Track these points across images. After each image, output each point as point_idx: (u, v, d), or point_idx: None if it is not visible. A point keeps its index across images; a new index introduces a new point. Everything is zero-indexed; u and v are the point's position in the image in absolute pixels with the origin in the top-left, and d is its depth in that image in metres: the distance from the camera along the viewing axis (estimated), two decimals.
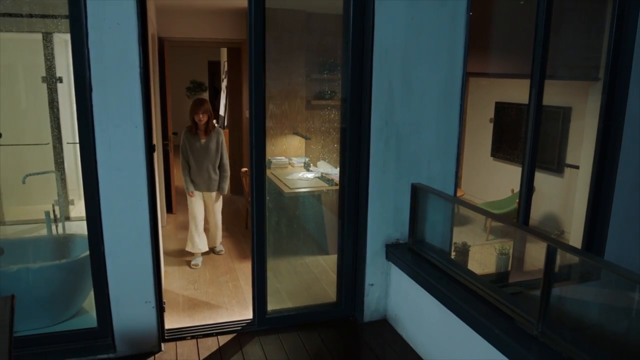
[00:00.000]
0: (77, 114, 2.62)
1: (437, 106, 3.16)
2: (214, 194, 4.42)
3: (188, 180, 4.32)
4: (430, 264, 2.98)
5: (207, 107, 4.25)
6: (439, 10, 3.05)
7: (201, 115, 4.19)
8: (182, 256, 4.55)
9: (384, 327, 3.29)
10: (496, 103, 6.08)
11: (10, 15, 3.82)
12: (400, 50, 3.03)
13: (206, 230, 4.55)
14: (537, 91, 3.57)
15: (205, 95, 11.75)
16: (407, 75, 3.07)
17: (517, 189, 5.12)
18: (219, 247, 4.67)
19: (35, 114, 4.55)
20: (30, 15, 3.76)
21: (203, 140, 4.29)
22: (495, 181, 6.16)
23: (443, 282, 2.75)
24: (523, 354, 2.09)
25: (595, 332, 2.57)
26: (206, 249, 4.48)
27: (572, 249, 2.17)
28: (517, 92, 5.67)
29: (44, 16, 3.87)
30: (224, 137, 4.44)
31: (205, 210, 4.48)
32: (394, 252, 3.20)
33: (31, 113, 4.59)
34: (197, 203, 4.37)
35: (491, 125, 6.19)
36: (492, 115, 6.19)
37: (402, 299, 3.20)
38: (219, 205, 4.53)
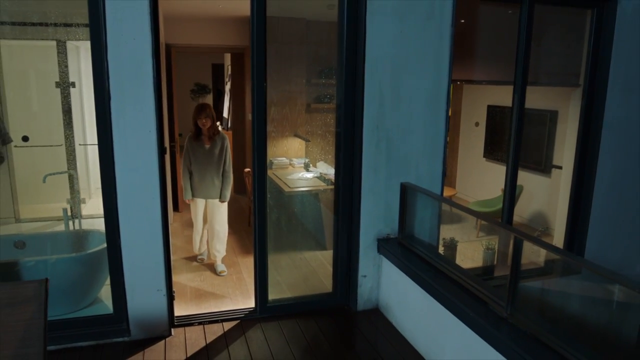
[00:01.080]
0: (96, 119, 2.90)
1: (424, 111, 3.43)
2: (216, 201, 4.30)
3: (187, 187, 4.25)
4: (417, 257, 3.25)
5: (209, 111, 4.21)
6: (426, 24, 3.32)
7: (204, 120, 4.15)
8: (188, 252, 4.82)
9: (376, 315, 3.56)
10: (488, 106, 6.34)
11: (24, 24, 4.09)
12: (389, 60, 3.30)
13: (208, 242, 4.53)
14: (519, 96, 3.85)
15: (209, 98, 12.04)
16: (396, 83, 3.34)
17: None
18: (221, 266, 4.37)
19: (48, 117, 4.79)
20: (51, 25, 4.00)
21: (207, 146, 4.22)
22: (486, 181, 6.42)
23: (428, 273, 3.02)
24: (494, 334, 2.36)
25: (556, 314, 2.84)
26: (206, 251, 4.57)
27: (534, 240, 2.43)
28: (508, 96, 5.91)
29: (57, 25, 4.12)
30: (228, 142, 4.38)
31: (208, 218, 4.38)
32: (385, 246, 3.47)
33: (45, 116, 4.83)
34: (199, 209, 4.33)
35: (483, 128, 6.45)
36: (484, 117, 6.45)
37: (392, 289, 3.47)
38: (223, 214, 4.36)
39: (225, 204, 4.37)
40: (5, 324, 2.06)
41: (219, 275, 4.29)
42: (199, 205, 4.34)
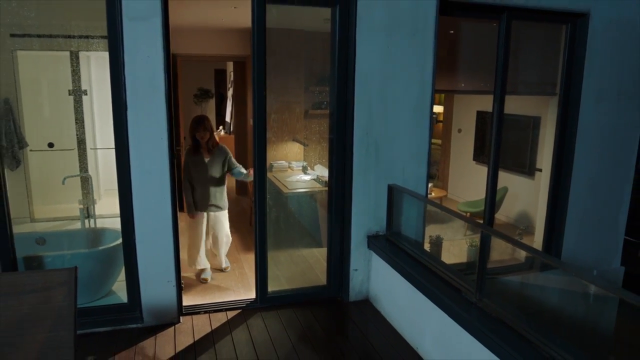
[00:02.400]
0: (114, 128, 3.25)
1: (410, 119, 3.77)
2: (218, 213, 4.32)
3: (190, 202, 4.21)
4: (403, 252, 3.58)
5: (207, 124, 4.17)
6: (411, 40, 3.66)
7: (202, 133, 4.12)
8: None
9: (366, 306, 3.89)
10: (477, 112, 6.68)
11: (39, 36, 4.40)
12: (378, 73, 3.64)
13: (213, 255, 4.59)
14: (498, 104, 4.18)
15: (212, 102, 12.37)
16: (384, 93, 3.68)
17: None
18: (226, 263, 4.56)
19: (61, 123, 5.07)
20: (67, 36, 4.28)
21: (207, 159, 4.18)
22: (476, 182, 6.74)
23: (412, 266, 3.35)
24: (464, 316, 2.69)
25: (519, 300, 3.18)
26: (205, 265, 4.45)
27: (500, 235, 2.76)
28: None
29: (70, 37, 4.41)
30: (230, 154, 4.34)
31: (212, 230, 4.39)
32: (374, 242, 3.81)
33: (58, 122, 5.11)
34: (200, 223, 4.30)
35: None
36: (473, 123, 6.78)
37: (380, 282, 3.80)
38: (226, 223, 4.41)
39: (227, 214, 4.41)
40: (39, 307, 2.39)
41: (223, 270, 4.51)
42: (199, 220, 4.31)
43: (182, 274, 3.97)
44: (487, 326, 2.54)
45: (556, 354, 2.23)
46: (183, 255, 4.10)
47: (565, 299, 3.10)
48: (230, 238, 4.57)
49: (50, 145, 4.44)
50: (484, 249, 2.71)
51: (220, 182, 4.27)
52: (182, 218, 6.31)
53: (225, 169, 4.30)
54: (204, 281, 4.30)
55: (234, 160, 4.36)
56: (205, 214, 4.32)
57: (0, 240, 3.26)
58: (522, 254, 4.15)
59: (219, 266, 4.58)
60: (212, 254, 4.66)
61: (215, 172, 4.23)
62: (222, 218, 4.39)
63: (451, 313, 2.81)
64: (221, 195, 4.30)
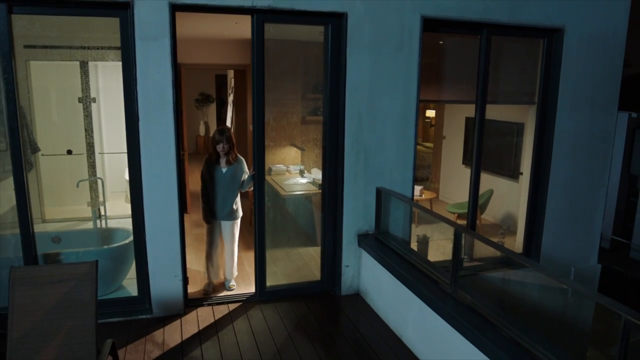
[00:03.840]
0: (126, 136, 3.58)
1: (396, 128, 4.11)
2: (231, 223, 4.35)
3: (206, 209, 4.26)
4: (390, 250, 3.92)
5: (228, 135, 4.18)
6: (397, 55, 4.00)
7: (224, 145, 4.13)
8: (198, 248, 5.49)
9: (357, 299, 4.22)
10: (466, 118, 7.01)
11: (52, 47, 4.69)
12: (366, 85, 3.98)
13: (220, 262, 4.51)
14: (480, 112, 4.52)
15: (213, 107, 12.72)
16: (372, 104, 4.02)
17: (480, 191, 6.05)
18: (232, 281, 4.44)
19: (70, 129, 5.29)
20: (79, 47, 4.53)
21: (224, 170, 4.21)
22: (465, 185, 7.04)
23: (397, 262, 3.68)
24: (440, 305, 3.02)
25: (490, 291, 3.51)
26: (217, 278, 4.46)
27: (471, 233, 3.09)
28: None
29: (82, 48, 4.68)
30: (246, 166, 4.37)
31: (224, 239, 4.42)
32: (364, 240, 4.14)
33: (67, 128, 5.35)
34: (215, 230, 4.34)
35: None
36: (462, 127, 7.12)
37: (369, 277, 4.13)
38: (237, 233, 4.44)
39: (239, 223, 4.43)
40: (65, 296, 2.71)
41: (228, 289, 4.34)
42: (215, 227, 4.35)
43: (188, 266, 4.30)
44: (460, 314, 2.87)
45: (517, 336, 2.56)
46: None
47: (528, 291, 3.44)
48: (236, 254, 4.48)
49: (69, 152, 4.76)
50: (457, 245, 3.05)
51: (234, 192, 4.28)
52: (186, 219, 6.67)
53: (240, 181, 4.30)
54: (206, 292, 4.25)
55: (247, 174, 4.30)
56: (219, 222, 4.34)
57: (24, 239, 3.59)
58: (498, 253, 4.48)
59: (221, 279, 4.50)
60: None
61: (230, 182, 4.24)
62: (232, 229, 4.39)
63: (429, 302, 3.15)
64: (233, 205, 4.29)
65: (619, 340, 1.95)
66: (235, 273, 4.50)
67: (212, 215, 4.29)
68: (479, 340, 2.65)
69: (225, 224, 4.36)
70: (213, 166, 4.22)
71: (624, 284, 5.95)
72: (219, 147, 4.15)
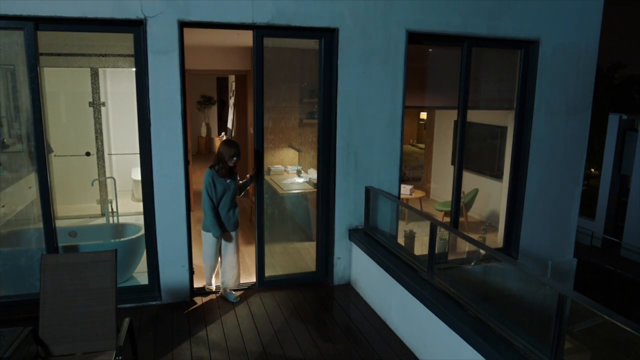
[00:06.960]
0: (139, 140, 3.98)
1: (384, 132, 4.50)
2: (236, 232, 4.32)
3: (216, 223, 4.10)
4: (377, 243, 4.31)
5: (239, 150, 4.14)
6: (384, 66, 4.40)
7: (235, 159, 4.08)
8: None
9: (348, 288, 4.62)
10: (454, 121, 7.40)
11: (65, 55, 5.03)
12: (356, 94, 4.37)
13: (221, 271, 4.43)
14: (462, 118, 4.91)
15: (214, 109, 13.11)
16: (361, 110, 4.41)
17: (466, 191, 6.46)
18: (234, 293, 4.37)
19: (81, 131, 5.66)
20: (101, 56, 4.78)
21: (228, 181, 4.15)
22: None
23: (382, 253, 4.07)
24: (418, 290, 3.42)
25: (463, 277, 3.91)
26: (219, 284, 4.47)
27: (446, 227, 3.48)
28: (472, 113, 6.99)
29: (92, 55, 4.97)
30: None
31: (224, 250, 4.32)
32: (354, 235, 4.54)
33: (77, 130, 5.71)
34: (215, 243, 4.26)
35: (451, 138, 7.48)
36: (451, 130, 7.50)
37: (359, 268, 4.53)
38: (236, 241, 4.36)
39: (239, 236, 4.42)
40: (87, 281, 3.09)
41: (232, 301, 4.29)
42: (217, 240, 4.25)
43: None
44: (436, 298, 3.26)
45: (482, 317, 2.96)
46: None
47: (499, 280, 3.84)
48: (236, 268, 4.38)
49: (87, 154, 5.14)
50: (433, 237, 3.44)
51: (235, 202, 4.30)
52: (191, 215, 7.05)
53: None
54: (209, 290, 4.40)
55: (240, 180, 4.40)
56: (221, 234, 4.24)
57: (47, 233, 3.98)
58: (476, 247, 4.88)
59: (225, 294, 4.40)
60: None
61: (233, 192, 4.23)
62: (237, 237, 4.36)
63: (409, 288, 3.54)
64: (237, 214, 4.30)
65: (554, 312, 2.34)
66: (236, 281, 4.40)
67: (222, 227, 4.19)
68: (449, 318, 3.04)
69: (228, 234, 4.27)
70: (218, 179, 4.09)
71: (601, 277, 6.34)
72: (233, 162, 4.07)
